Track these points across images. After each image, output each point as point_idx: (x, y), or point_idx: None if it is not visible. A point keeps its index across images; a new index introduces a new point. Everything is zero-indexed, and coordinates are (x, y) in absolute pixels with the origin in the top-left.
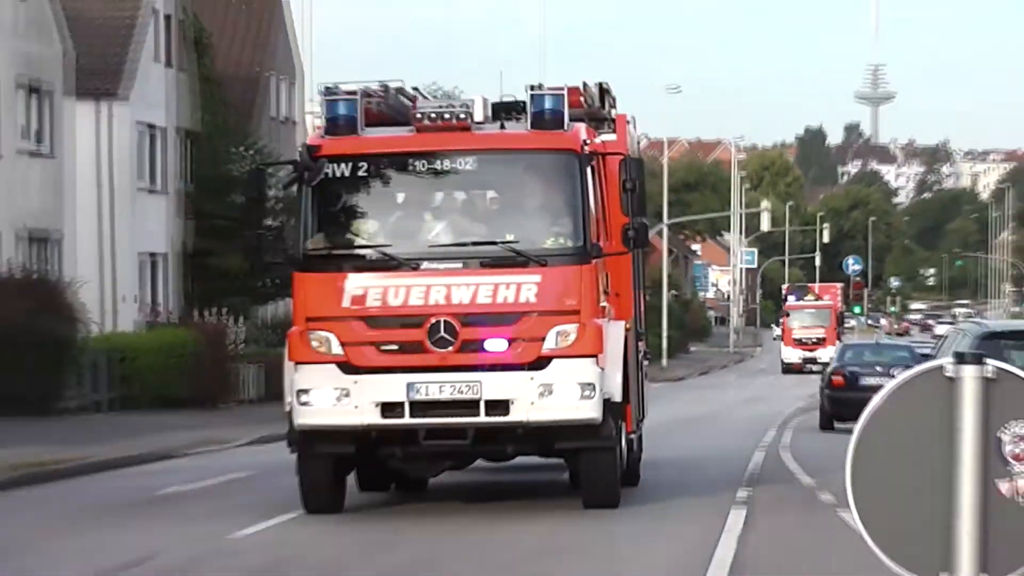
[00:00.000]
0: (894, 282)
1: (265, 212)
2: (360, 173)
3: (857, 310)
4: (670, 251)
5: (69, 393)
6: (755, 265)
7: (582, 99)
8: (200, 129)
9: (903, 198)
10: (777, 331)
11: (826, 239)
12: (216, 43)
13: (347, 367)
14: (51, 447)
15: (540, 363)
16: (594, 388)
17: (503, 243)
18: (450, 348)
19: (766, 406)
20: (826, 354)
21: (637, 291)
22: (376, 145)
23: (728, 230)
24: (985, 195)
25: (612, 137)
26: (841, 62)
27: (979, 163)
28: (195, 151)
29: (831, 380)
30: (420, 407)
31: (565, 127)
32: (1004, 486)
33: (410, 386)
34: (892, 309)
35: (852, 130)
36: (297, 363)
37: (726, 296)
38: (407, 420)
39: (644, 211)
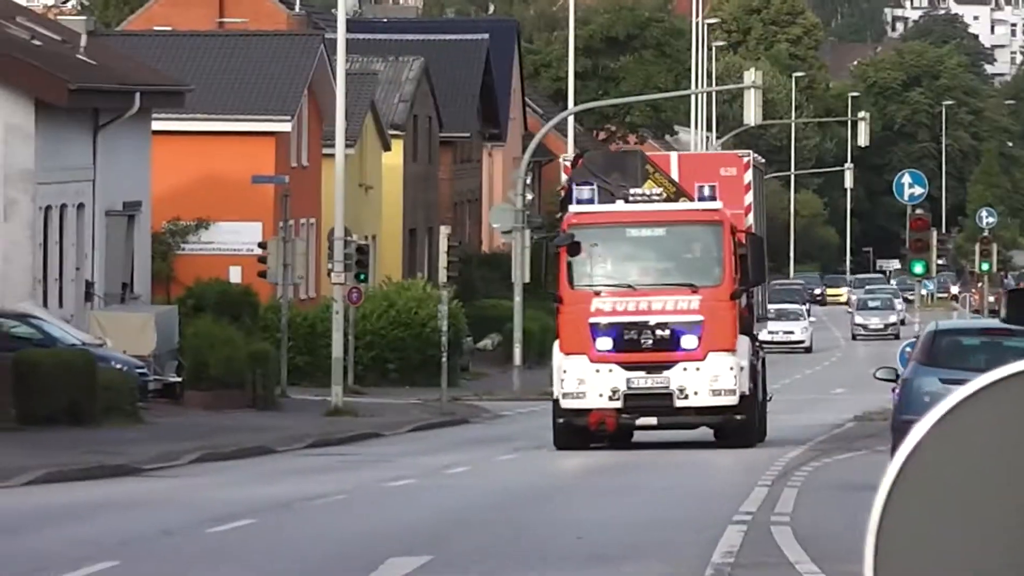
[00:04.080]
0: (986, 216)
1: None
2: None
3: (919, 268)
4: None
5: None
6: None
7: None
8: None
9: (1004, 67)
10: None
11: (864, 140)
12: None
13: None
14: None
15: None
16: None
17: None
18: None
19: None
20: (695, 381)
21: None
22: None
23: (686, 124)
24: None
25: None
26: None
27: None
28: None
29: None
30: None
31: None
32: None
33: None
34: (983, 266)
35: None
36: None
37: None
38: None
39: None
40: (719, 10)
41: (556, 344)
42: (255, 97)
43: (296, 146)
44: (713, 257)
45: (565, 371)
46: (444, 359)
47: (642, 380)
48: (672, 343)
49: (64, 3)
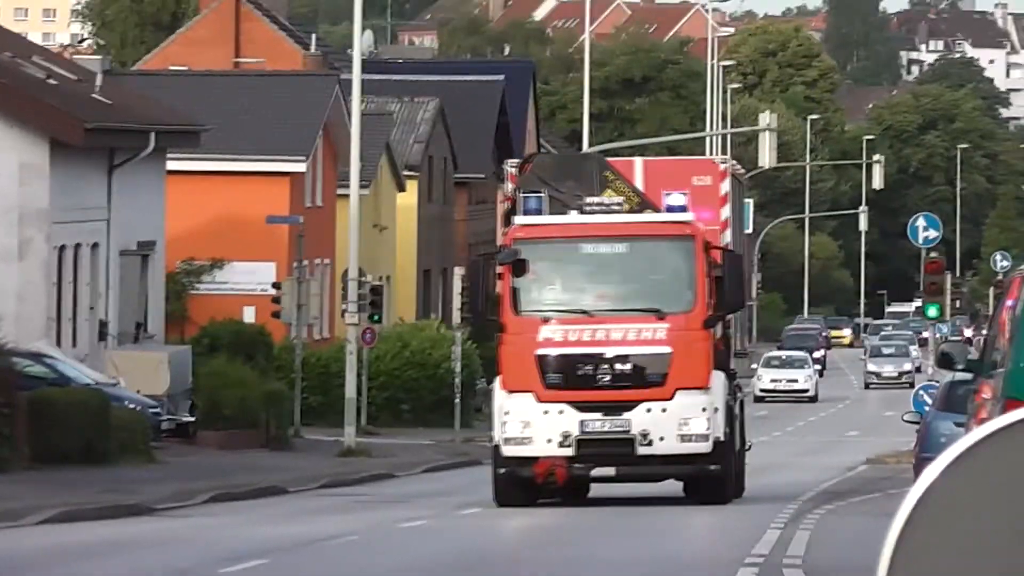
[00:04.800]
0: (1000, 260)
1: None
2: None
3: (933, 311)
4: None
5: None
6: (749, 229)
7: None
8: None
9: (1019, 111)
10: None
11: (879, 183)
12: None
13: None
14: None
15: None
16: None
17: None
18: None
19: None
20: (660, 425)
21: None
22: None
23: None
24: None
25: None
26: None
27: None
28: None
29: None
30: None
31: None
32: None
33: None
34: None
35: None
36: None
37: None
38: None
39: None
40: (735, 53)
41: (497, 380)
42: (270, 137)
43: (311, 186)
44: (683, 278)
45: (508, 412)
46: (457, 400)
47: (598, 423)
48: (634, 379)
49: (80, 42)
